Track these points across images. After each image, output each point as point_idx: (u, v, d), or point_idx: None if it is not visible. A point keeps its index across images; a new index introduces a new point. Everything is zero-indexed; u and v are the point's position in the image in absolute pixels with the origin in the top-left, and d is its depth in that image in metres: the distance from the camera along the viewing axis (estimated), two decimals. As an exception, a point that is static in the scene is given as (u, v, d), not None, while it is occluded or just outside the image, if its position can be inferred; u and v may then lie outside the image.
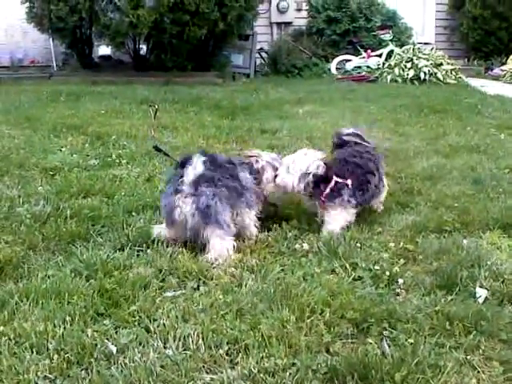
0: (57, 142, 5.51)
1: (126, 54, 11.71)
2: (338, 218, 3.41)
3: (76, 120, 6.52)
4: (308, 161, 3.40)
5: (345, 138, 3.71)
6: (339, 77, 12.20)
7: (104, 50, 12.29)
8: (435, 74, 11.35)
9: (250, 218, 3.26)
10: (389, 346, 2.24)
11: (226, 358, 2.15)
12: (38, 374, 2.03)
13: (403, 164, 4.90)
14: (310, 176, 3.36)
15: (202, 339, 2.24)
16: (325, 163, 3.42)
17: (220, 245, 3.00)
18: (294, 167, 3.39)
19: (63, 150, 5.23)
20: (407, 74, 11.38)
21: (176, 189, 3.02)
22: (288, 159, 3.48)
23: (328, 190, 3.38)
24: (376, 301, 2.58)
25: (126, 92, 8.95)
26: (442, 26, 15.12)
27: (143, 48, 11.53)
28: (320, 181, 3.39)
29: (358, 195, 3.45)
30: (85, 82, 10.08)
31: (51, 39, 11.86)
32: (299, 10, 14.07)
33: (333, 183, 3.38)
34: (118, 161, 4.81)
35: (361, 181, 3.47)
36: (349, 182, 3.40)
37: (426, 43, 13.72)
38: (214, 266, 2.91)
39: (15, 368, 2.05)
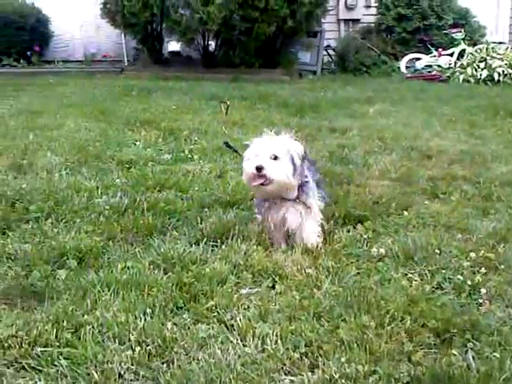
0: (131, 136, 5.64)
1: (195, 51, 11.86)
2: None
3: (148, 115, 6.66)
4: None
5: None
6: (409, 75, 11.91)
7: (174, 45, 12.47)
8: (510, 74, 10.92)
9: None
10: (473, 359, 2.16)
11: (305, 360, 2.13)
12: (122, 364, 2.06)
13: (481, 168, 4.73)
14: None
15: (281, 339, 2.23)
16: None
17: None
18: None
19: (137, 143, 5.34)
20: (480, 75, 11.01)
21: None
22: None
23: None
24: (458, 310, 2.49)
25: (196, 88, 9.07)
26: (517, 24, 14.50)
27: (212, 44, 11.64)
28: None
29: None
30: (155, 78, 10.30)
31: (123, 34, 12.19)
32: (368, 6, 13.79)
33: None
34: (190, 156, 4.87)
35: None
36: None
37: (500, 42, 13.19)
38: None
39: (99, 357, 2.10)
